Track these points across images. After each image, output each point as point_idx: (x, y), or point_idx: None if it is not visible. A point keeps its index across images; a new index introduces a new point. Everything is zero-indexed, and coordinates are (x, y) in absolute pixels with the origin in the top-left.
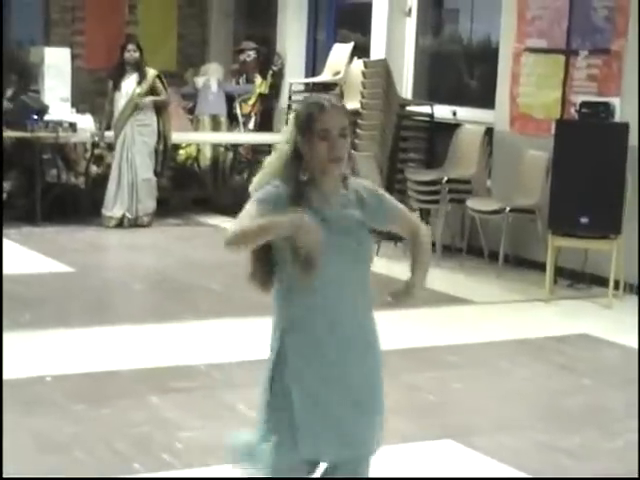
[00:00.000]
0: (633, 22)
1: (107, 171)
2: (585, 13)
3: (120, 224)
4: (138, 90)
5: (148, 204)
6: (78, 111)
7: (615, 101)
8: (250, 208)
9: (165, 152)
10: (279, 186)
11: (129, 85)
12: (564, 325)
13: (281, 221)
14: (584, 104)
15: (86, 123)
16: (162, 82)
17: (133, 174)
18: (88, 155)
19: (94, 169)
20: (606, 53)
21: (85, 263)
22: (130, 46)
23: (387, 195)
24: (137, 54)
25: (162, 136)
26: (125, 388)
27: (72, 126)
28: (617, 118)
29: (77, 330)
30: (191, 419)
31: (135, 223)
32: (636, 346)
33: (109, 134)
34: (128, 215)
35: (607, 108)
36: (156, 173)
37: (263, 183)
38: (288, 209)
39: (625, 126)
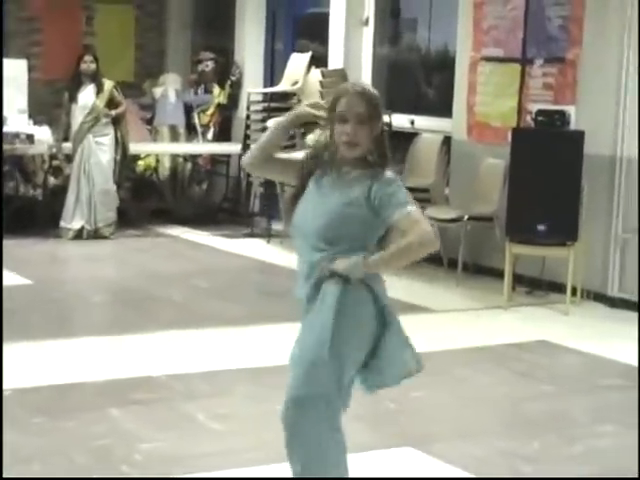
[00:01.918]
0: (589, 30)
1: (65, 182)
2: (540, 23)
3: (79, 236)
4: (98, 102)
5: (108, 215)
6: (35, 123)
7: (570, 109)
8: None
9: (123, 162)
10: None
11: (86, 96)
12: (523, 332)
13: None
14: (540, 112)
15: (43, 135)
16: (119, 93)
17: (91, 186)
18: (46, 167)
19: (52, 181)
20: (561, 62)
21: (44, 275)
22: (87, 57)
23: (388, 197)
24: (94, 65)
25: (120, 146)
26: (85, 400)
27: (29, 138)
28: (572, 126)
29: (37, 343)
30: (151, 430)
31: (94, 235)
32: (595, 352)
33: (66, 145)
34: (87, 227)
35: (562, 116)
36: (116, 184)
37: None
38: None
39: (580, 134)
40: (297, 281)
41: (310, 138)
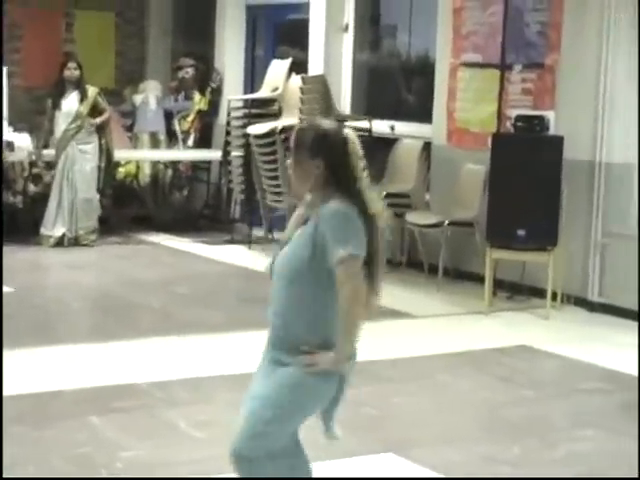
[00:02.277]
0: (567, 36)
1: (46, 190)
2: (519, 28)
3: (60, 243)
4: (81, 109)
5: (89, 223)
6: (15, 130)
7: (549, 114)
8: None
9: (107, 170)
10: None
11: (70, 103)
12: (503, 337)
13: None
14: (519, 118)
15: (23, 142)
16: (103, 100)
17: (74, 193)
18: (26, 174)
19: (32, 188)
20: (540, 67)
21: (25, 283)
22: (70, 64)
23: (327, 232)
24: (78, 72)
25: (105, 154)
26: (66, 408)
27: (10, 145)
28: (552, 131)
29: (17, 351)
30: (132, 438)
31: (75, 242)
32: (575, 356)
33: (47, 152)
34: (68, 234)
35: (542, 121)
36: (99, 191)
37: None
38: None
39: (560, 139)
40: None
41: None
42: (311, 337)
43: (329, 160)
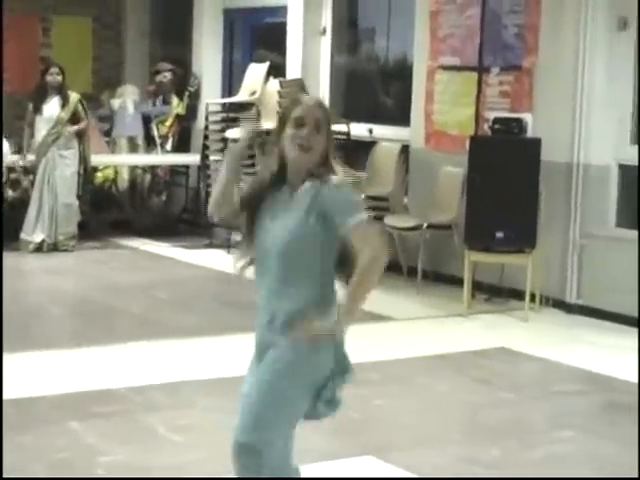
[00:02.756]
0: (545, 38)
1: (24, 195)
2: (496, 31)
3: (39, 249)
4: (62, 115)
5: (69, 229)
6: None
7: (527, 117)
8: None
9: (85, 177)
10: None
11: (51, 108)
12: (483, 339)
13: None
14: (497, 120)
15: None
16: (83, 107)
17: (54, 199)
18: (4, 179)
19: (10, 193)
20: (517, 70)
21: (3, 288)
22: (53, 69)
23: (338, 203)
24: (60, 77)
25: (82, 160)
26: (45, 414)
27: None
28: (529, 133)
29: None
30: (112, 443)
31: (55, 248)
32: (554, 358)
33: (25, 157)
34: (47, 240)
35: (519, 124)
36: (78, 197)
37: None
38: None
39: (537, 141)
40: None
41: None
42: (309, 310)
43: (330, 133)
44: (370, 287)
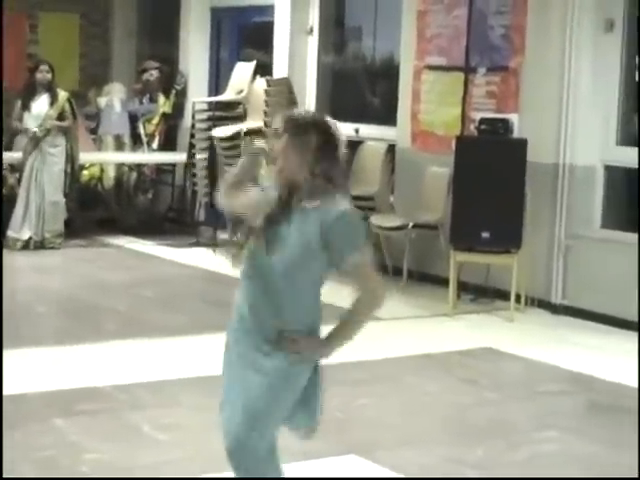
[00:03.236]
0: (531, 39)
1: (9, 192)
2: (483, 31)
3: (26, 246)
4: (50, 112)
5: (56, 226)
6: None
7: (513, 117)
8: None
9: (73, 174)
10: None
11: (40, 106)
12: (468, 339)
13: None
14: (483, 121)
15: None
16: (71, 105)
17: (41, 196)
18: None
19: None
20: (504, 70)
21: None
22: (42, 67)
23: (342, 237)
24: (49, 75)
25: (70, 158)
26: (30, 411)
27: None
28: (515, 134)
29: None
30: (96, 441)
31: (41, 245)
32: (539, 358)
33: (11, 155)
34: (35, 237)
35: (506, 124)
36: (65, 195)
37: None
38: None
39: (523, 142)
40: (234, 323)
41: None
42: (300, 327)
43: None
44: (364, 323)
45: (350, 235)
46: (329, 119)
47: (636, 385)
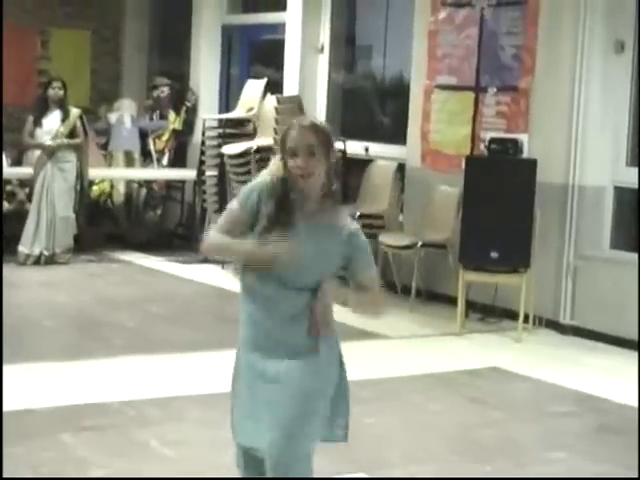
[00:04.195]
0: (542, 60)
1: (19, 207)
2: (493, 51)
3: (37, 262)
4: (61, 129)
5: (65, 242)
6: None
7: (523, 137)
8: (228, 207)
9: (82, 190)
10: (267, 179)
11: (51, 122)
12: (475, 358)
13: (245, 250)
14: (493, 140)
15: None
16: (83, 123)
17: (52, 212)
18: None
19: (6, 206)
20: (514, 90)
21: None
22: (55, 83)
23: (364, 254)
24: (62, 92)
25: (80, 175)
26: (37, 426)
27: None
28: (525, 154)
29: None
30: (103, 457)
31: (52, 260)
32: (547, 379)
33: (21, 170)
34: (45, 252)
35: (515, 144)
36: (75, 211)
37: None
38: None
39: (533, 162)
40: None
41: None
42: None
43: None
44: (364, 307)
45: (368, 253)
46: None
47: None
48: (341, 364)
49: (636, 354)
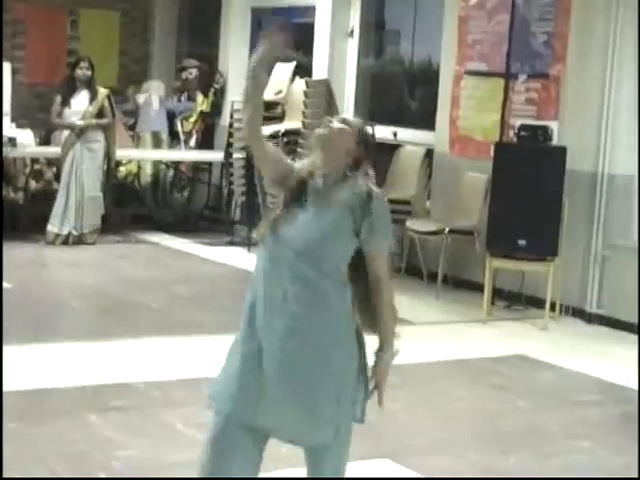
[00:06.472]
0: (573, 47)
1: (46, 187)
2: (524, 38)
3: (65, 242)
4: (90, 109)
5: (94, 222)
6: (18, 126)
7: (553, 125)
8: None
9: (109, 171)
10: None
11: (79, 102)
12: (501, 346)
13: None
14: (523, 127)
15: (26, 138)
16: (110, 103)
17: (80, 192)
18: (27, 170)
19: (33, 185)
20: (545, 77)
21: (24, 279)
22: (83, 63)
23: (379, 219)
24: (89, 72)
25: (107, 155)
26: (63, 406)
27: (12, 141)
28: (555, 141)
29: (14, 347)
30: (129, 438)
31: (79, 240)
32: (572, 367)
33: (49, 149)
34: (74, 232)
35: (545, 132)
36: (102, 191)
37: None
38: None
39: (563, 150)
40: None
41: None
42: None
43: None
44: (393, 321)
45: (387, 223)
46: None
47: None
48: (360, 342)
49: None
